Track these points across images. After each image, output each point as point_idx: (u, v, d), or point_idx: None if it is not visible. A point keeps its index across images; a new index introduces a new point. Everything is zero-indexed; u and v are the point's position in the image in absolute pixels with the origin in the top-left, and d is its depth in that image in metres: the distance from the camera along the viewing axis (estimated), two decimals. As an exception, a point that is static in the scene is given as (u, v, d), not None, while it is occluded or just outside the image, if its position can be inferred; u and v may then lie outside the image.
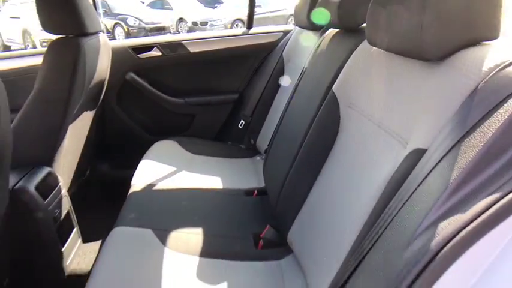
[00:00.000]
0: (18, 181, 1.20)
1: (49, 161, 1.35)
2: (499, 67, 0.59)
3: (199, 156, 1.79)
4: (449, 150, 0.56)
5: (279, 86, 1.84)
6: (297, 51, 1.79)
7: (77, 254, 1.42)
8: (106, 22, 11.14)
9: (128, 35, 10.85)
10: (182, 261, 1.07)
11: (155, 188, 1.46)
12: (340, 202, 0.93)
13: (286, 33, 2.09)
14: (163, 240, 1.14)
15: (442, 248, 0.48)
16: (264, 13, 10.30)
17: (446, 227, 0.49)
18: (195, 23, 11.33)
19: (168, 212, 1.31)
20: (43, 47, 9.11)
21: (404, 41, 0.74)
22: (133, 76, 2.04)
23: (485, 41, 0.70)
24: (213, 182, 1.56)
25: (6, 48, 10.39)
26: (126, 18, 10.89)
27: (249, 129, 2.01)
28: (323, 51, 1.32)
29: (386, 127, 0.82)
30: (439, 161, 0.57)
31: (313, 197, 1.07)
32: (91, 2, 1.87)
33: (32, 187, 1.20)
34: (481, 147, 0.51)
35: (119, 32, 11.00)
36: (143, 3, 13.42)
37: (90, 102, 1.66)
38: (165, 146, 1.82)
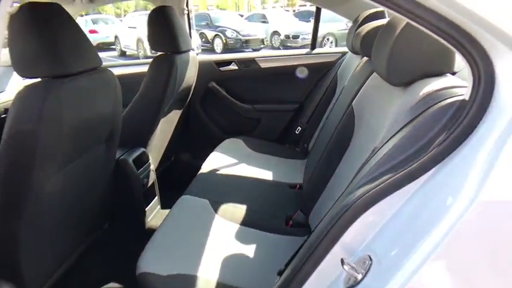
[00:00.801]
0: (122, 155, 1.68)
1: (144, 143, 1.83)
2: (432, 91, 0.84)
3: (258, 153, 2.14)
4: (382, 146, 0.84)
5: (331, 99, 2.13)
6: (346, 71, 2.07)
7: (155, 216, 1.87)
8: (207, 33, 12.13)
9: (226, 45, 11.68)
10: (226, 226, 1.42)
11: (218, 172, 1.85)
12: (342, 189, 1.21)
13: (343, 54, 2.37)
14: (215, 209, 1.50)
15: (353, 203, 0.76)
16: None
17: (359, 190, 0.77)
18: (287, 36, 11.83)
19: (223, 190, 1.68)
20: (152, 53, 10.39)
21: (385, 71, 1.02)
22: (214, 85, 2.49)
23: (447, 73, 0.94)
24: (264, 174, 1.90)
25: (123, 53, 12.00)
26: (225, 30, 11.75)
27: (304, 135, 2.32)
28: (357, 73, 1.61)
29: (373, 133, 1.10)
30: (375, 153, 0.85)
31: (328, 187, 1.36)
32: (187, 23, 2.36)
33: (130, 160, 1.67)
34: (394, 144, 0.79)
35: (217, 42, 11.88)
36: (242, 16, 14.33)
37: (178, 103, 2.12)
38: (232, 143, 2.22)
